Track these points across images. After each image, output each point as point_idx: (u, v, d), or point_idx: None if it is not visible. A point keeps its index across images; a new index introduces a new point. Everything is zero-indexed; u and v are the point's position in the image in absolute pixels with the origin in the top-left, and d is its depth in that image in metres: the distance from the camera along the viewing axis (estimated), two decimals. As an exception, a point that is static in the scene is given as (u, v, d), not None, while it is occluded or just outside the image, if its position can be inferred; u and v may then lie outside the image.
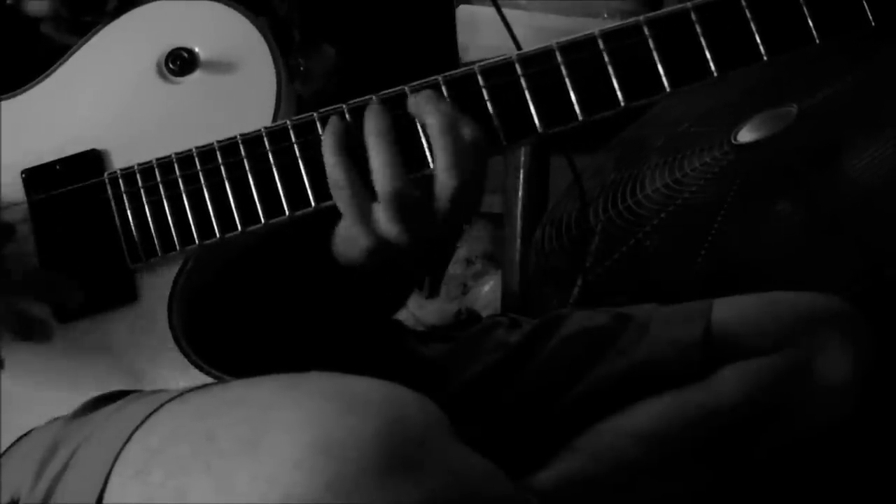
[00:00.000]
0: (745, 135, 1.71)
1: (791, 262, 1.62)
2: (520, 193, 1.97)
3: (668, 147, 1.81)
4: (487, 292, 2.34)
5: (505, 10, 1.60)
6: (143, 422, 0.97)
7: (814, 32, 1.06)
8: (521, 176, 1.97)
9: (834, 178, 1.62)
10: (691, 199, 1.71)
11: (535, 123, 1.07)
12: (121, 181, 1.09)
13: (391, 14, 1.29)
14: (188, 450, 0.91)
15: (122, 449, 0.96)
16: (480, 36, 1.51)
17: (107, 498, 0.95)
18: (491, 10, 1.51)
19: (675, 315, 1.24)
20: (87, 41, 1.14)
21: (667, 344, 1.22)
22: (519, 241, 1.97)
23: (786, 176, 1.66)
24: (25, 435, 1.08)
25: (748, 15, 1.06)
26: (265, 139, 1.07)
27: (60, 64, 1.14)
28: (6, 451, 1.08)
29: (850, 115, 1.63)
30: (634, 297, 1.57)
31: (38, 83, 1.14)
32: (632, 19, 1.07)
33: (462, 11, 1.94)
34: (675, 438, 1.19)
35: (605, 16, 2.21)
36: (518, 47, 1.33)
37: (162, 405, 0.98)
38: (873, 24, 1.05)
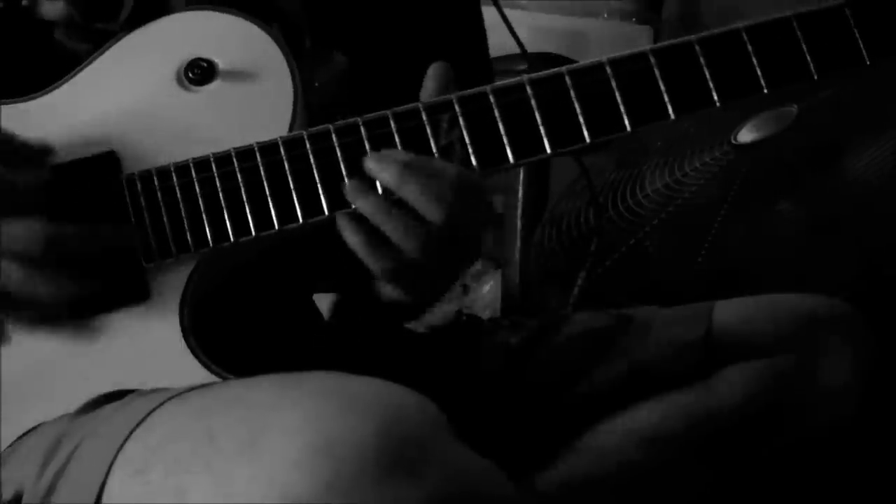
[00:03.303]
0: (745, 135, 1.72)
1: (791, 262, 1.62)
2: (520, 193, 1.97)
3: (668, 147, 1.81)
4: (487, 292, 2.34)
5: (505, 10, 1.60)
6: (143, 419, 0.97)
7: (812, 69, 1.08)
8: (521, 176, 1.97)
9: (834, 178, 1.62)
10: (691, 199, 1.72)
11: (544, 143, 1.09)
12: (138, 182, 1.10)
13: (403, 21, 1.30)
14: (188, 448, 0.91)
15: (122, 446, 0.96)
16: (479, 36, 1.51)
17: (107, 495, 0.95)
18: (492, 10, 1.51)
19: (677, 316, 1.24)
20: (107, 49, 1.15)
21: (668, 345, 1.22)
22: (519, 241, 1.97)
23: (786, 176, 1.66)
24: (32, 430, 1.09)
25: (749, 49, 1.08)
26: (281, 147, 1.09)
27: (81, 69, 1.15)
28: (12, 445, 1.08)
29: (850, 116, 1.64)
30: (634, 297, 1.58)
31: (57, 87, 1.15)
32: (637, 49, 1.10)
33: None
34: (676, 439, 1.19)
35: (606, 16, 2.21)
36: (521, 47, 1.35)
37: (162, 403, 0.98)
38: (868, 62, 1.08)
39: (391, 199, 1.06)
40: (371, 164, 1.07)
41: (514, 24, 1.63)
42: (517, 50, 1.73)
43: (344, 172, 1.09)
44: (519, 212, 1.97)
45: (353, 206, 1.07)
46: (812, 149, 1.65)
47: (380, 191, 1.07)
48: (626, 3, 2.26)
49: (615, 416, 1.20)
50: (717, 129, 1.76)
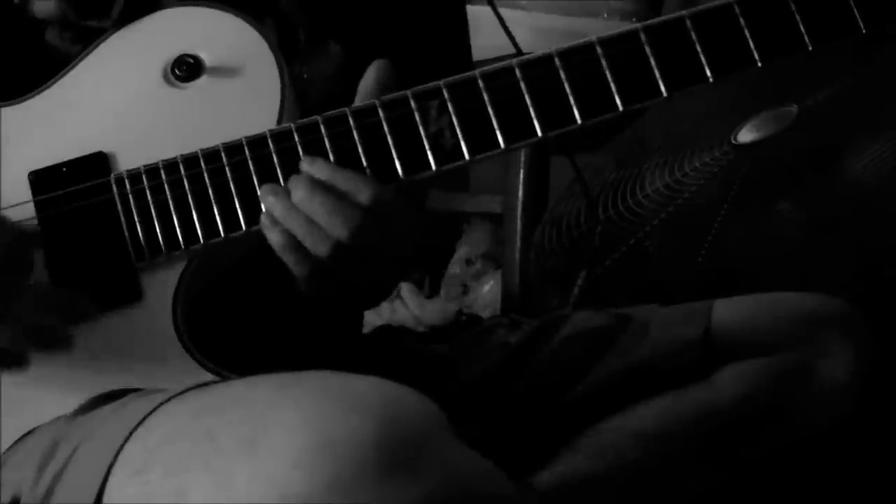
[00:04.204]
0: (745, 135, 1.72)
1: (791, 263, 1.62)
2: (520, 193, 1.97)
3: (668, 147, 1.81)
4: (487, 292, 2.34)
5: (505, 10, 1.60)
6: (142, 420, 0.97)
7: (806, 39, 1.08)
8: (521, 176, 1.97)
9: (834, 178, 1.62)
10: (691, 199, 1.71)
11: (534, 126, 1.09)
12: (126, 181, 1.10)
13: (399, 13, 1.30)
14: (187, 448, 0.91)
15: (121, 448, 0.96)
16: (480, 36, 1.51)
17: (106, 497, 0.95)
18: (491, 10, 1.51)
19: (676, 316, 1.24)
20: (94, 48, 1.15)
21: (667, 344, 1.22)
22: (519, 241, 1.97)
23: (786, 176, 1.66)
24: (29, 433, 1.09)
25: (742, 22, 1.08)
26: (269, 141, 1.09)
27: (68, 70, 1.15)
28: (10, 448, 1.09)
29: (850, 116, 1.64)
30: (634, 297, 1.57)
31: (45, 88, 1.15)
32: (629, 26, 1.10)
33: (462, 11, 1.93)
34: (675, 438, 1.19)
35: (605, 15, 2.21)
36: (516, 48, 1.35)
37: (161, 404, 0.98)
38: (864, 31, 1.07)
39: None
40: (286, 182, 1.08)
41: (513, 24, 1.63)
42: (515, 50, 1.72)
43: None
44: (519, 212, 1.97)
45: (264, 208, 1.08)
46: (812, 149, 1.65)
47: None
48: (626, 3, 2.26)
49: (615, 415, 1.20)
50: (717, 129, 1.76)
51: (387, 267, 1.11)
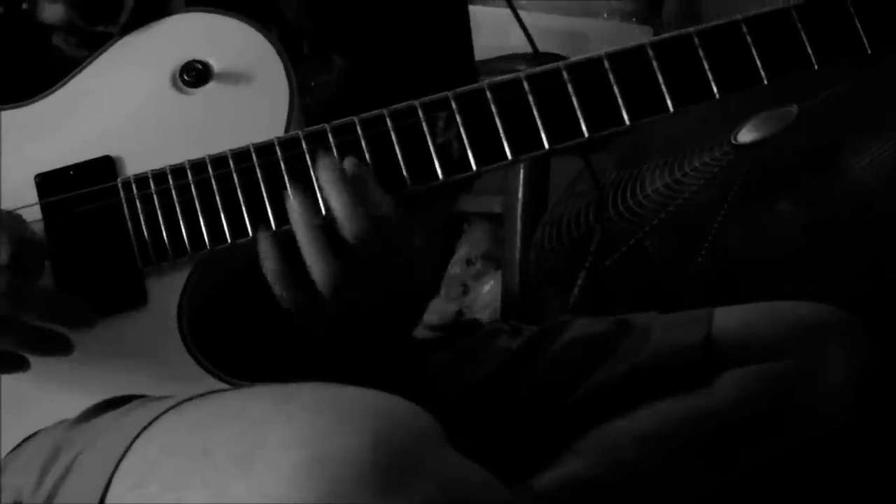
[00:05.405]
0: (745, 135, 1.72)
1: (791, 263, 1.62)
2: (520, 193, 1.97)
3: (668, 147, 1.81)
4: (487, 292, 2.34)
5: (505, 10, 1.60)
6: (141, 432, 0.97)
7: (812, 59, 1.09)
8: (521, 176, 1.97)
9: (834, 178, 1.62)
10: (691, 199, 1.71)
11: (542, 139, 1.09)
12: (133, 185, 1.10)
13: (403, 23, 1.30)
14: (184, 463, 0.91)
15: (122, 458, 0.96)
16: (480, 36, 1.51)
17: (108, 504, 0.95)
18: (491, 10, 1.52)
19: (677, 321, 1.25)
20: (102, 53, 1.15)
21: (668, 347, 1.22)
22: (519, 241, 1.97)
23: (786, 176, 1.66)
24: (31, 436, 1.09)
25: (749, 40, 1.08)
26: (277, 147, 1.09)
27: (75, 74, 1.15)
28: (11, 451, 1.09)
29: (851, 117, 1.64)
30: (635, 297, 1.57)
31: (52, 92, 1.15)
32: (635, 42, 1.10)
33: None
34: (675, 441, 1.19)
35: (605, 15, 2.21)
36: (534, 48, 1.35)
37: (160, 415, 0.98)
38: (869, 52, 1.08)
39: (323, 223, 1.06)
40: (324, 160, 1.07)
41: (514, 24, 1.63)
42: (518, 50, 1.72)
43: None
44: (519, 212, 1.97)
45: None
46: (812, 149, 1.65)
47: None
48: (626, 3, 2.26)
49: (615, 418, 1.21)
50: (717, 129, 1.76)
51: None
